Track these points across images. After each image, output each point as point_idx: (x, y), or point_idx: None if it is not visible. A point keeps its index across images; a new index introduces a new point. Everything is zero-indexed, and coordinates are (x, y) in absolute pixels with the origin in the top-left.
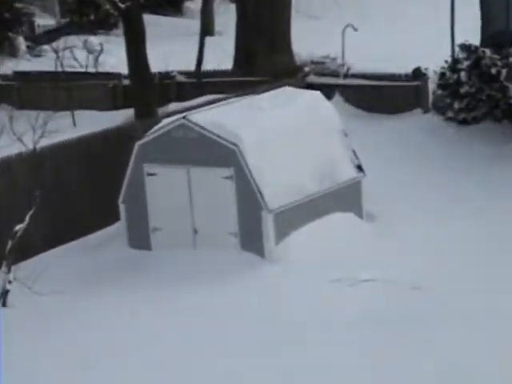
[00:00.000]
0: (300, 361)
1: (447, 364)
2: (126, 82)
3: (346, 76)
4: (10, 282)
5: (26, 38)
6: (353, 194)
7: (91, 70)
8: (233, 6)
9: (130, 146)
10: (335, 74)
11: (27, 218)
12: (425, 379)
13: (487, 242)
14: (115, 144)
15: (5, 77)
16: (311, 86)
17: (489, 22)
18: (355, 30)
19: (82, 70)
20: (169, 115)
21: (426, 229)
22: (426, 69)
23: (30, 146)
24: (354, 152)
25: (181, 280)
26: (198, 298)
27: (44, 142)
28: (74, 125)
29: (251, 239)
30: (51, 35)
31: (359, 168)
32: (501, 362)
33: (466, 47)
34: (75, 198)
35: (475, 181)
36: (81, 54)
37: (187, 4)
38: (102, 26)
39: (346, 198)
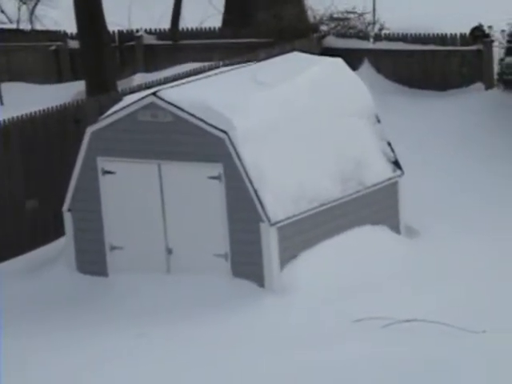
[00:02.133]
0: None
1: None
2: (74, 43)
3: (377, 38)
4: None
5: None
6: (387, 200)
7: (25, 27)
8: None
9: (79, 134)
10: (363, 36)
11: None
12: None
13: None
14: (58, 130)
15: None
16: (330, 51)
17: None
18: None
19: (12, 26)
20: (133, 91)
21: (483, 247)
22: (489, 27)
23: None
24: (389, 144)
25: (146, 318)
26: (171, 346)
27: None
28: (1, 102)
29: (246, 262)
30: None
31: (396, 165)
32: None
33: None
34: (4, 207)
35: None
36: (10, 5)
37: None
38: None
39: (377, 205)
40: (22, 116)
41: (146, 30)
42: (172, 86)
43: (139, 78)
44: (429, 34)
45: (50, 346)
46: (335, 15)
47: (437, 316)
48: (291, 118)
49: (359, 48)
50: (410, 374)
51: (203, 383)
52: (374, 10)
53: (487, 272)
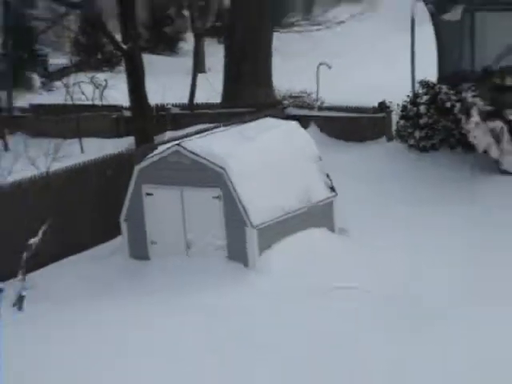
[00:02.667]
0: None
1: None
2: (128, 113)
3: (320, 108)
4: (25, 289)
5: (41, 75)
6: (326, 211)
7: (97, 102)
8: (221, 47)
9: (131, 170)
10: (311, 107)
11: (40, 232)
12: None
13: (454, 249)
14: (118, 168)
15: (22, 109)
16: (290, 117)
17: (444, 62)
18: (329, 67)
19: (89, 102)
20: (165, 142)
21: (393, 241)
22: (390, 102)
23: (43, 170)
24: (327, 175)
25: (175, 285)
26: (189, 300)
27: (56, 166)
28: (82, 151)
29: (237, 251)
30: (62, 72)
31: (332, 189)
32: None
33: (425, 84)
34: (83, 214)
35: (433, 197)
36: (88, 89)
37: (181, 45)
38: (107, 64)
39: (320, 215)
40: (95, 159)
41: (172, 104)
42: (190, 139)
43: (169, 135)
44: (352, 106)
45: (116, 305)
46: (293, 94)
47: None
48: (266, 159)
49: (308, 115)
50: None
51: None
52: (317, 90)
53: (397, 252)
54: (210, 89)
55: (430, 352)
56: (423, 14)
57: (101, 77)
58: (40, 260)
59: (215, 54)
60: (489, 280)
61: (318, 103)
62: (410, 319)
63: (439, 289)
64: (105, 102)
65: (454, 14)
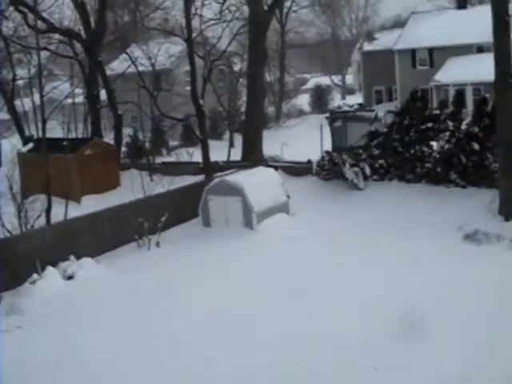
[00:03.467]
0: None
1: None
2: (202, 165)
3: (283, 162)
4: (158, 242)
5: (165, 148)
6: (285, 206)
7: (189, 160)
8: (240, 137)
9: (203, 189)
10: (278, 161)
11: (165, 215)
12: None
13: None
14: (198, 188)
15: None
16: (270, 166)
17: (334, 142)
18: (285, 145)
19: (186, 160)
20: (217, 177)
21: (319, 219)
22: (311, 160)
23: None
24: (286, 190)
25: (222, 237)
26: (228, 246)
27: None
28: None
29: (247, 223)
30: (175, 147)
31: (288, 196)
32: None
33: (327, 152)
34: (183, 209)
35: (332, 198)
36: (185, 155)
37: (224, 136)
38: (194, 144)
39: (283, 207)
40: (194, 183)
41: (220, 161)
42: (227, 175)
43: (218, 175)
44: (297, 161)
45: (201, 245)
46: (272, 156)
47: (304, 234)
48: (260, 183)
49: (278, 165)
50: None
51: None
52: (281, 154)
53: (318, 222)
54: (236, 155)
55: None
56: (325, 123)
57: (190, 150)
58: (164, 226)
59: (238, 139)
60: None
61: (282, 159)
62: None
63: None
64: (192, 160)
65: (338, 123)
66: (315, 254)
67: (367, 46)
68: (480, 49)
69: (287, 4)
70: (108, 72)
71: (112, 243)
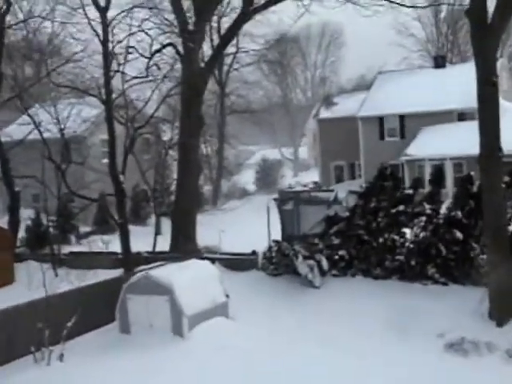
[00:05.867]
0: None
1: None
2: (120, 256)
3: (221, 253)
4: (61, 355)
5: (75, 236)
6: (224, 308)
7: (104, 250)
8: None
9: (121, 287)
10: (215, 252)
11: (72, 319)
12: None
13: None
14: (115, 285)
15: (65, 254)
16: (206, 259)
17: (284, 229)
18: (223, 232)
19: (100, 250)
20: (139, 271)
21: (265, 324)
22: (256, 251)
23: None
24: (225, 288)
25: (144, 347)
26: (151, 360)
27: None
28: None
29: (176, 329)
30: (87, 235)
31: (227, 296)
32: None
33: (275, 241)
34: (95, 311)
35: (279, 298)
36: (100, 244)
37: (148, 220)
38: (110, 230)
39: (221, 310)
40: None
41: (145, 251)
42: (151, 269)
43: (141, 268)
44: (237, 253)
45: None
46: (208, 246)
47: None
48: (193, 280)
49: (214, 257)
50: None
51: None
52: (219, 244)
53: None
54: (164, 244)
55: None
56: (274, 206)
57: (106, 238)
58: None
59: (167, 224)
60: None
61: (220, 251)
62: None
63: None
64: (108, 251)
65: (289, 206)
66: (259, 366)
67: (325, 113)
68: (462, 116)
69: (227, 61)
70: (3, 138)
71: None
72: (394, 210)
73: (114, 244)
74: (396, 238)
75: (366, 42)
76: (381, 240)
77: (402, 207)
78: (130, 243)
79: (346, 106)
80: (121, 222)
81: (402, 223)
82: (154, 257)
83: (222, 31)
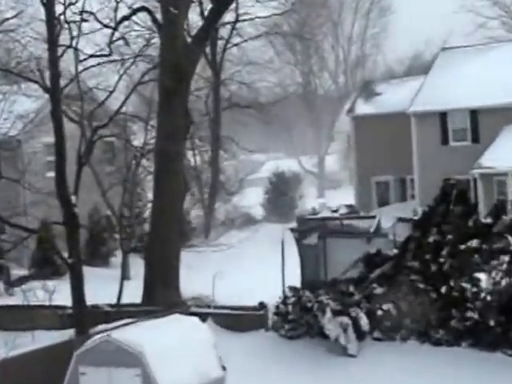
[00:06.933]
0: None
1: None
2: (70, 310)
3: (215, 307)
4: None
5: (4, 283)
6: None
7: (47, 303)
8: (142, 261)
9: (71, 354)
10: (208, 306)
11: None
12: None
13: None
14: (62, 353)
15: None
16: (193, 314)
17: (305, 273)
18: (219, 276)
19: (41, 303)
20: (98, 333)
21: None
22: (265, 303)
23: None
24: (220, 357)
25: None
26: None
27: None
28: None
29: None
30: (21, 281)
31: (223, 367)
32: None
33: (292, 289)
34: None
35: (297, 375)
36: (41, 293)
37: (112, 259)
38: (56, 274)
39: None
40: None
41: (105, 304)
42: (116, 331)
43: (101, 327)
44: (238, 306)
45: None
46: (195, 296)
47: None
48: (174, 345)
49: (206, 312)
50: None
51: None
52: (213, 293)
53: None
54: (134, 293)
55: None
56: (290, 238)
57: (51, 284)
58: None
59: (138, 265)
60: None
61: (214, 303)
62: None
63: None
64: (53, 303)
65: (313, 240)
66: None
67: (364, 107)
68: None
69: (224, 33)
70: None
71: None
72: (463, 247)
73: (62, 293)
74: (467, 286)
75: (423, 6)
76: (444, 289)
77: (475, 242)
78: (84, 292)
79: (393, 98)
80: (72, 261)
81: (476, 265)
82: (119, 312)
83: None
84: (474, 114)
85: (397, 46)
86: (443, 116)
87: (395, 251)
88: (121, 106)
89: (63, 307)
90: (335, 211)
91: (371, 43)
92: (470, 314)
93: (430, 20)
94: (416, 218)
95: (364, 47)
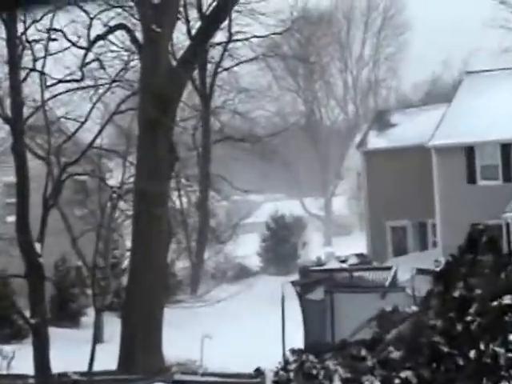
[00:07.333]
0: None
1: None
2: (33, 380)
3: (203, 374)
4: None
5: None
6: None
7: (4, 372)
8: (118, 320)
9: None
10: (196, 373)
11: None
12: None
13: None
14: None
15: None
16: (177, 382)
17: (309, 333)
18: (210, 338)
19: None
20: None
21: None
22: (262, 369)
23: None
24: None
25: None
26: None
27: None
28: None
29: None
30: None
31: None
32: None
33: (294, 352)
34: None
35: None
36: None
37: (83, 319)
38: (16, 336)
39: None
40: None
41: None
42: None
43: None
44: (231, 372)
45: None
46: (180, 362)
47: None
48: None
49: (193, 381)
50: None
51: None
52: (201, 358)
53: None
54: (109, 358)
55: None
56: (291, 293)
57: (9, 349)
58: None
59: (113, 324)
60: None
61: (202, 370)
62: None
63: None
64: (12, 372)
65: (318, 295)
66: None
67: (377, 140)
68: None
69: (214, 54)
70: None
71: None
72: (495, 303)
73: (23, 360)
74: (500, 350)
75: (445, 21)
76: (473, 354)
77: (508, 298)
78: (49, 358)
79: (410, 129)
80: (35, 321)
81: (510, 326)
82: (91, 381)
83: (206, 6)
84: (506, 148)
85: (414, 68)
86: (470, 150)
87: (414, 308)
88: (94, 139)
89: (24, 376)
90: (344, 261)
91: (385, 66)
92: (503, 383)
93: (453, 35)
94: (438, 269)
95: (376, 70)
